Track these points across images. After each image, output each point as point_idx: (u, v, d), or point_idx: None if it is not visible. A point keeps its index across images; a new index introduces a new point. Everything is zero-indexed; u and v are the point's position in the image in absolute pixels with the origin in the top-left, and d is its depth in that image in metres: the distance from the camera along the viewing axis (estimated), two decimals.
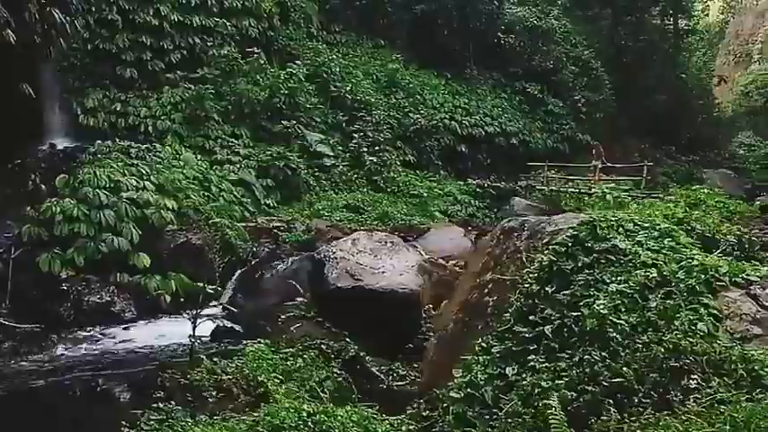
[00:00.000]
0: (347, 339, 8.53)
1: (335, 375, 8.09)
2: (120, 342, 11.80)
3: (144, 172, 15.75)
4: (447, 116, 28.57)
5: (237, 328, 9.81)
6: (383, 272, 9.12)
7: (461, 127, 28.60)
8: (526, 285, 5.45)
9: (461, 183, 26.12)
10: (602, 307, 4.56)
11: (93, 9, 20.60)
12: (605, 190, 14.54)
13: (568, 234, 5.53)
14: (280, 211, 20.06)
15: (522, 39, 33.03)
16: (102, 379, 9.79)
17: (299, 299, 9.90)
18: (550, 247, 5.56)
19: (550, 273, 5.39)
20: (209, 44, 22.72)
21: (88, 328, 12.38)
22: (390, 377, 8.32)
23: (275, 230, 17.79)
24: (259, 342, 8.38)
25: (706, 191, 15.79)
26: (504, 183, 27.00)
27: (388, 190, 22.97)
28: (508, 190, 26.15)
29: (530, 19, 33.31)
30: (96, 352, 11.24)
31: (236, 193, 19.14)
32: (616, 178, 26.89)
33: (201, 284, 11.06)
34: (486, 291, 5.96)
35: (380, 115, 25.54)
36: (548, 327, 4.92)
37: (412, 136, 26.85)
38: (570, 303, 5.02)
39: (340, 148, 23.73)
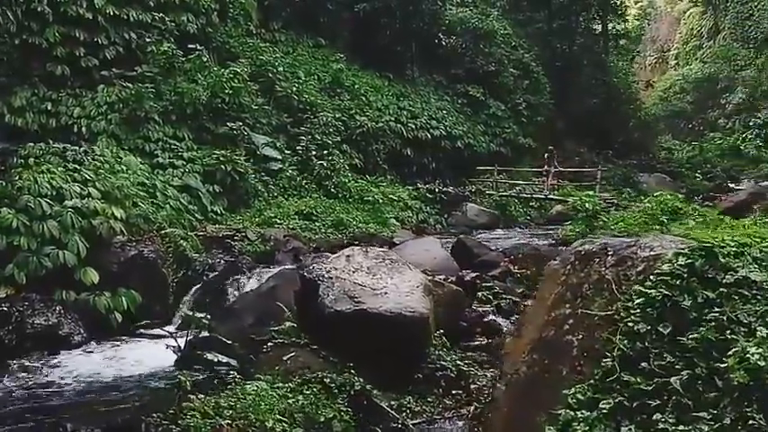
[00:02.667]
0: (351, 371, 7.62)
1: (342, 414, 7.21)
2: (72, 372, 10.45)
3: (88, 177, 14.37)
4: (392, 119, 27.88)
5: (210, 355, 8.66)
6: (386, 293, 8.21)
7: (407, 130, 27.97)
8: (629, 324, 4.64)
9: (411, 187, 25.47)
10: (757, 357, 3.84)
11: (21, 0, 18.93)
12: (584, 198, 14.11)
13: (680, 263, 4.77)
14: (228, 218, 18.84)
15: (463, 40, 32.68)
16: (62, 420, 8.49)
17: (288, 323, 8.87)
18: (656, 278, 4.79)
19: (662, 310, 4.60)
20: (147, 40, 21.24)
21: (33, 355, 11.01)
22: (403, 413, 7.46)
23: (227, 240, 16.66)
24: (259, 379, 7.38)
25: (672, 197, 15.66)
26: (453, 188, 26.49)
27: (340, 196, 22.05)
28: (458, 195, 25.65)
29: (471, 20, 33.03)
30: (47, 384, 9.91)
31: (182, 199, 17.84)
32: (569, 183, 26.97)
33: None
34: (567, 327, 5.15)
35: (327, 117, 24.61)
36: (674, 378, 4.16)
37: (358, 139, 26.01)
38: (701, 349, 4.27)
39: (287, 151, 22.66)
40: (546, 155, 27.55)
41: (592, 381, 4.55)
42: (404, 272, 8.73)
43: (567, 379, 4.77)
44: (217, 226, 17.88)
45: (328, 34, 30.38)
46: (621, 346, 4.51)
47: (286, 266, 13.05)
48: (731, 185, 39.87)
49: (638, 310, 4.63)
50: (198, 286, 13.49)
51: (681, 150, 50.71)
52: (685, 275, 4.63)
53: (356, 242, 17.37)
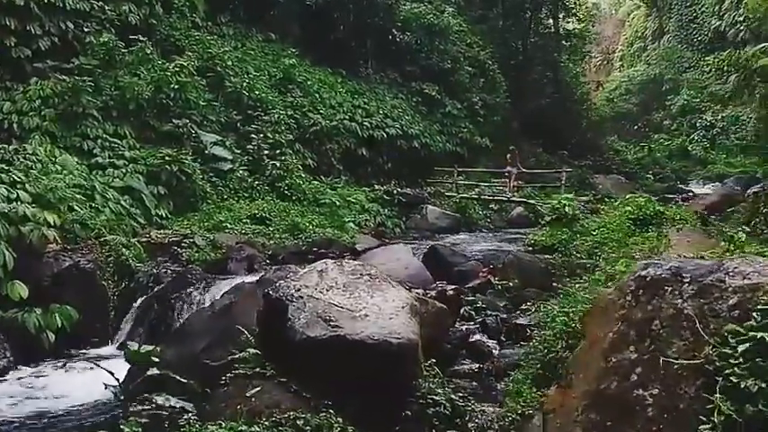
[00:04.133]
0: (329, 410, 6.45)
1: None
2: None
3: (17, 179, 12.84)
4: (347, 117, 26.69)
5: (159, 398, 7.34)
6: (366, 315, 7.08)
7: (362, 129, 26.80)
8: (732, 379, 3.56)
9: (367, 189, 24.32)
10: None
11: None
12: (563, 201, 13.19)
13: None
14: (174, 222, 17.37)
15: (418, 36, 31.70)
16: None
17: (250, 350, 7.63)
18: (762, 316, 3.71)
19: None
20: (84, 30, 19.68)
21: None
22: None
23: (173, 247, 15.28)
24: (219, 423, 6.12)
25: (647, 200, 14.93)
26: (412, 189, 25.43)
27: (294, 198, 20.77)
28: (417, 197, 24.61)
29: (426, 16, 32.04)
30: None
31: (123, 202, 16.36)
32: (528, 185, 26.22)
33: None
34: (635, 378, 4.06)
35: (278, 115, 23.29)
36: None
37: (312, 138, 24.76)
38: None
39: (238, 150, 21.27)
40: (508, 155, 26.69)
41: None
42: (386, 289, 7.59)
43: None
44: (162, 231, 16.42)
45: (279, 28, 29.03)
46: (725, 409, 3.43)
47: (244, 278, 11.71)
48: (682, 186, 39.97)
49: (743, 360, 3.57)
50: (142, 299, 12.12)
51: (628, 151, 50.90)
52: None
53: (315, 248, 16.23)
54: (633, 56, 71.95)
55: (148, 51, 20.58)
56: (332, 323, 7.01)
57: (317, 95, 26.42)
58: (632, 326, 4.30)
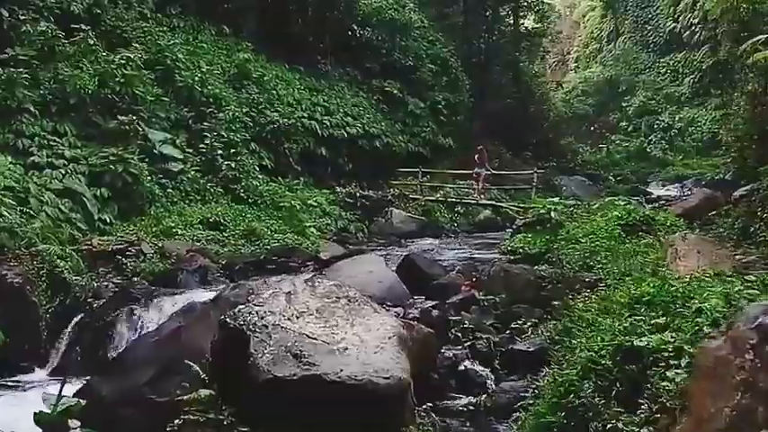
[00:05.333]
0: None
1: None
2: None
3: None
4: (305, 115, 25.33)
5: None
6: (346, 348, 5.87)
7: (321, 127, 25.48)
8: None
9: (328, 191, 23.03)
10: None
11: None
12: (548, 205, 12.09)
13: None
14: (119, 228, 15.83)
15: (379, 32, 30.50)
16: None
17: (204, 391, 6.30)
18: None
19: None
20: (20, 18, 17.98)
21: None
22: None
23: (118, 256, 13.82)
24: None
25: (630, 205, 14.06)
26: (374, 191, 24.20)
27: (250, 201, 19.38)
28: (381, 199, 23.39)
29: (387, 11, 30.82)
30: None
31: (62, 206, 14.80)
32: (496, 187, 25.24)
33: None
34: None
35: (233, 112, 21.85)
36: None
37: (268, 137, 23.36)
38: None
39: (189, 149, 19.74)
40: (476, 156, 25.54)
41: None
42: (368, 315, 6.38)
43: None
44: (105, 238, 14.92)
45: (232, 22, 27.46)
46: None
47: (196, 295, 10.33)
48: (643, 188, 39.60)
49: None
50: (79, 318, 10.65)
51: (584, 153, 50.53)
52: None
53: (274, 257, 14.93)
54: (588, 57, 71.91)
55: (91, 42, 18.97)
56: (304, 359, 5.79)
57: (273, 92, 25.02)
58: (761, 398, 3.14)
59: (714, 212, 16.21)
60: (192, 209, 17.59)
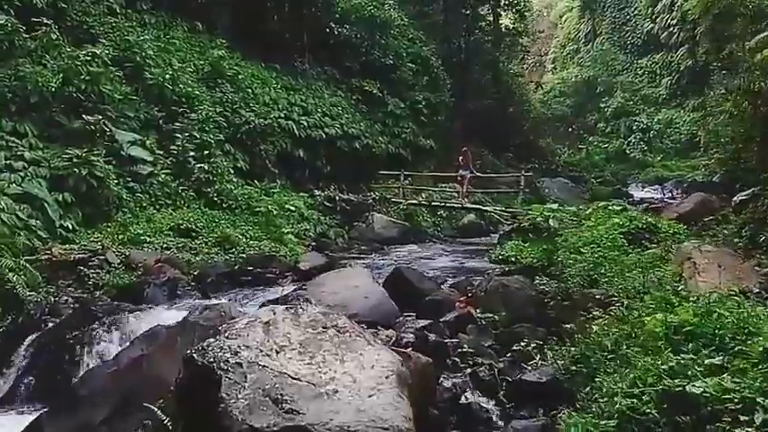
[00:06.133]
0: None
1: None
2: None
3: None
4: (282, 115, 24.30)
5: None
6: (336, 392, 4.97)
7: (299, 128, 24.46)
8: None
9: (306, 195, 22.04)
10: None
11: None
12: (545, 213, 11.24)
13: None
14: (82, 236, 14.72)
15: (358, 30, 29.56)
16: None
17: None
18: None
19: None
20: None
21: None
22: None
23: (79, 266, 12.77)
24: None
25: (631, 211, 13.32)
26: (355, 195, 23.24)
27: (224, 206, 18.33)
28: (361, 203, 22.43)
29: (366, 8, 29.87)
30: None
31: (19, 212, 13.70)
32: (481, 190, 24.38)
33: None
34: None
35: (206, 112, 20.79)
36: None
37: (243, 138, 22.31)
38: None
39: (160, 151, 18.62)
40: (460, 157, 24.62)
41: None
42: (361, 348, 5.47)
43: None
44: (67, 246, 13.83)
45: (206, 18, 26.36)
46: None
47: (162, 316, 9.31)
48: (626, 190, 39.18)
49: None
50: (32, 339, 9.59)
51: (563, 154, 50.12)
52: None
53: (250, 267, 13.95)
54: (566, 58, 71.80)
55: (55, 37, 17.85)
56: (286, 406, 4.87)
57: (249, 91, 23.98)
58: None
59: (711, 217, 15.52)
60: (161, 214, 16.52)
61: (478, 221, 23.61)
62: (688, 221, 15.19)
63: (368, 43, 29.70)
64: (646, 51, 60.90)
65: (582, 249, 10.72)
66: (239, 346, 5.30)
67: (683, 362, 4.60)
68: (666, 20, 57.44)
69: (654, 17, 59.46)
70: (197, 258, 14.54)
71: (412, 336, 7.92)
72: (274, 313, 5.73)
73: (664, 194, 41.18)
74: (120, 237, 14.85)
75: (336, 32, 28.98)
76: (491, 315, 8.82)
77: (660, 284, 7.87)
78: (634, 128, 56.26)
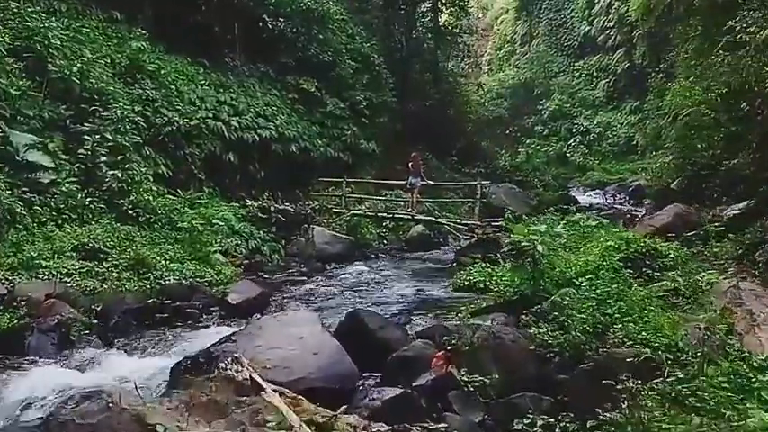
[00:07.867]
0: None
1: None
2: None
3: None
4: (210, 115, 21.78)
5: None
6: None
7: (229, 129, 22.00)
8: None
9: (237, 205, 19.65)
10: None
11: None
12: (532, 234, 9.26)
13: None
14: None
15: (294, 23, 27.29)
16: None
17: None
18: None
19: None
20: None
21: None
22: None
23: None
24: None
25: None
26: (292, 204, 20.92)
27: (141, 220, 15.77)
28: (299, 214, 20.13)
29: (303, 0, 27.62)
30: None
31: None
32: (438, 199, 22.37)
33: None
34: None
35: (122, 110, 18.17)
36: None
37: (166, 140, 19.76)
38: None
39: (65, 156, 15.93)
40: (410, 163, 22.48)
41: None
42: None
43: None
44: None
45: (125, 7, 23.64)
46: None
47: (41, 381, 6.94)
48: (573, 196, 38.01)
49: None
50: None
51: (502, 157, 48.94)
52: None
53: (167, 299, 11.59)
54: (502, 60, 71.29)
55: None
56: None
57: (172, 88, 21.40)
58: None
59: (692, 232, 13.96)
60: (64, 232, 13.91)
61: (427, 233, 21.65)
62: (666, 236, 13.52)
63: (304, 38, 27.44)
64: (583, 54, 60.77)
65: (576, 281, 8.79)
66: None
67: None
68: (603, 22, 57.32)
69: (591, 19, 59.32)
70: (103, 286, 12.07)
71: (383, 424, 5.73)
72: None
73: (605, 199, 40.35)
74: (10, 260, 12.27)
75: (270, 26, 26.64)
76: (480, 378, 6.77)
77: (707, 337, 5.96)
78: (574, 131, 55.75)
